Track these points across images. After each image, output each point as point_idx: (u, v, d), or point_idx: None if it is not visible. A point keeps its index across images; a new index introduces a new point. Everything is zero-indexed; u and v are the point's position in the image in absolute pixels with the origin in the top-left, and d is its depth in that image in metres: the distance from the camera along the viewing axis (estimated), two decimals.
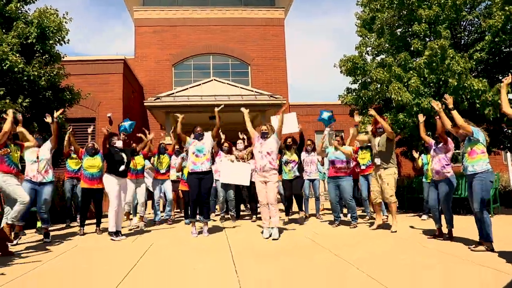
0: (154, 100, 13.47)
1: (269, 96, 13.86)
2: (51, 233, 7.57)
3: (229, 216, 9.55)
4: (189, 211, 8.02)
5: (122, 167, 7.54)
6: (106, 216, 7.70)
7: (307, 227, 8.21)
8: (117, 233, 7.42)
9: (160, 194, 9.30)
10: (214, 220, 9.71)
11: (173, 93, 13.99)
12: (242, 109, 7.79)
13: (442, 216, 6.54)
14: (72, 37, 58.30)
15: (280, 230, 7.60)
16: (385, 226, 7.70)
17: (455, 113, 5.59)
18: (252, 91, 14.45)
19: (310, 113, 19.41)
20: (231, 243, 6.68)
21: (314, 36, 61.34)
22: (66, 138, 8.58)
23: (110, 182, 7.55)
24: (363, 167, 8.93)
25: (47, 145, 7.38)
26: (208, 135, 7.56)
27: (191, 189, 7.44)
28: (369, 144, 8.88)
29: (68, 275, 4.94)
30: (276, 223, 7.16)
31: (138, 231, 8.19)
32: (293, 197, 8.84)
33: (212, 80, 15.31)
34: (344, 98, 12.16)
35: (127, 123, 8.63)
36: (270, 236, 7.01)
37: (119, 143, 7.75)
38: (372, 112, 7.46)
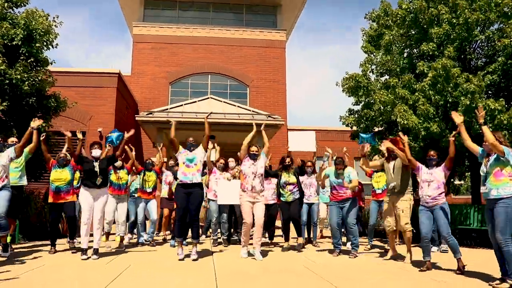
0: (147, 114, 12.86)
1: (267, 116, 13.29)
2: (21, 250, 6.83)
3: (221, 240, 8.75)
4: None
5: (99, 180, 6.85)
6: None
7: (304, 254, 7.48)
8: (85, 250, 6.72)
9: (143, 214, 8.47)
10: (201, 243, 8.96)
11: (167, 109, 13.41)
12: (254, 126, 7.51)
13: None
14: (71, 53, 58.30)
15: (273, 256, 6.93)
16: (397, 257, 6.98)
17: (485, 129, 4.99)
18: (250, 110, 13.89)
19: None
20: (217, 265, 6.00)
21: (312, 64, 61.37)
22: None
23: (81, 194, 6.92)
24: (378, 192, 8.30)
25: (8, 152, 6.61)
26: (200, 147, 6.96)
27: (178, 204, 6.77)
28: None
29: None
30: (258, 244, 6.89)
31: (118, 251, 7.42)
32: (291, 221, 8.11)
33: (208, 98, 14.77)
34: (345, 120, 11.57)
35: (114, 134, 7.97)
36: (249, 255, 6.82)
37: (95, 152, 7.03)
38: (387, 145, 6.90)
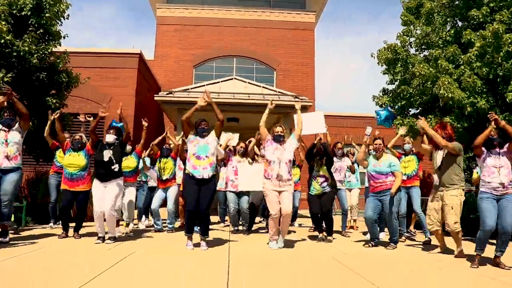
0: (167, 94, 12.18)
1: (294, 97, 12.41)
2: (24, 233, 6.28)
3: (241, 229, 7.94)
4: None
5: (116, 167, 6.26)
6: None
7: (333, 244, 6.63)
8: (101, 238, 6.22)
9: (158, 203, 7.74)
10: (222, 231, 8.24)
11: (188, 89, 12.68)
12: (268, 104, 6.63)
13: None
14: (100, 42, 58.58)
15: (299, 246, 6.15)
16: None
17: None
18: (275, 91, 13.03)
19: (334, 124, 17.74)
20: (232, 254, 5.25)
21: (333, 53, 59.69)
22: (48, 124, 7.01)
23: (93, 185, 6.36)
24: (404, 177, 7.33)
25: (18, 128, 6.14)
26: (213, 134, 6.04)
27: (187, 197, 5.91)
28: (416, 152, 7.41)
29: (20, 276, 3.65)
30: (284, 233, 6.12)
31: (122, 238, 6.73)
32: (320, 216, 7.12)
33: (232, 78, 13.95)
34: (379, 100, 10.58)
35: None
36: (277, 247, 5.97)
37: (109, 138, 6.35)
38: (422, 124, 5.91)
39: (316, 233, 7.27)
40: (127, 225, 7.44)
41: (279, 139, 6.10)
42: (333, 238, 7.11)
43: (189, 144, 5.90)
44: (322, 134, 7.30)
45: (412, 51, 9.76)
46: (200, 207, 5.75)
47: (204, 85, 13.14)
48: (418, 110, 10.06)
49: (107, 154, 6.24)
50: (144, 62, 16.16)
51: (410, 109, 10.38)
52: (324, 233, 7.05)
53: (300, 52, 20.13)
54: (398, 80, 10.18)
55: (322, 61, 42.89)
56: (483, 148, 5.32)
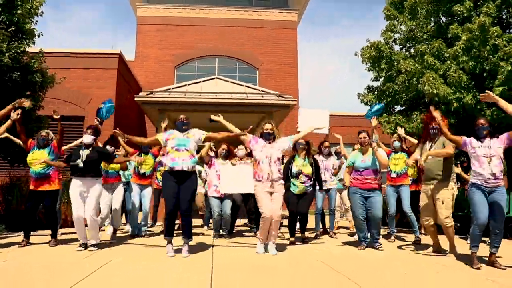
0: (147, 95, 11.83)
1: (277, 95, 12.14)
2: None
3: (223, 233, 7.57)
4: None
5: (80, 163, 5.87)
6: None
7: (322, 246, 6.43)
8: (83, 245, 5.89)
9: (138, 201, 7.42)
10: (202, 234, 7.96)
11: (169, 89, 12.33)
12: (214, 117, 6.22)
13: None
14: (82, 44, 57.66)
15: (287, 250, 5.92)
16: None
17: None
18: (259, 90, 12.76)
19: None
20: (216, 259, 4.98)
21: (313, 55, 59.69)
22: (7, 124, 6.36)
23: (71, 187, 5.97)
24: (393, 175, 7.14)
25: None
26: (197, 132, 5.72)
27: (166, 196, 5.52)
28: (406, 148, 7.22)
29: None
30: (274, 238, 5.68)
31: (101, 244, 6.39)
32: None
33: (214, 78, 13.65)
34: (364, 97, 10.42)
35: (105, 107, 7.00)
36: (266, 252, 5.60)
37: (87, 139, 6.05)
38: (436, 114, 5.41)
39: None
40: (115, 231, 7.05)
41: (268, 137, 5.79)
42: (305, 236, 6.96)
43: (167, 142, 5.57)
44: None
45: (397, 47, 9.64)
46: (181, 207, 5.42)
47: (185, 85, 12.83)
48: (404, 107, 9.95)
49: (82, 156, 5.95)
50: (124, 63, 15.78)
51: (395, 106, 10.25)
52: (294, 239, 6.78)
53: (282, 51, 19.95)
54: (383, 77, 10.05)
55: (302, 63, 42.69)
56: (463, 137, 5.16)
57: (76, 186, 5.88)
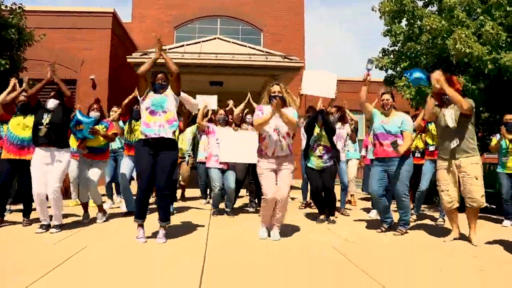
0: (141, 55, 10.87)
1: (283, 57, 11.17)
2: None
3: (225, 209, 6.72)
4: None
5: (43, 131, 5.04)
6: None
7: (336, 228, 5.57)
8: (44, 226, 5.10)
9: (130, 173, 6.55)
10: (198, 209, 7.17)
11: (166, 50, 11.29)
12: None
13: None
14: None
15: (290, 231, 5.09)
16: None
17: None
18: (262, 51, 11.77)
19: None
20: (210, 244, 4.15)
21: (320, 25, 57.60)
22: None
23: (33, 158, 5.15)
24: (431, 149, 6.22)
25: None
26: (168, 90, 4.74)
27: (139, 170, 4.61)
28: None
29: None
30: (280, 222, 4.79)
31: (73, 226, 5.57)
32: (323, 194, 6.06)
33: (215, 38, 12.65)
34: (379, 62, 9.41)
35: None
36: (269, 236, 4.74)
37: (50, 103, 5.20)
38: (437, 76, 4.65)
39: (310, 210, 6.24)
40: (100, 208, 6.08)
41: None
42: (336, 218, 6.12)
43: (143, 100, 4.64)
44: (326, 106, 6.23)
45: (420, 3, 8.50)
46: (158, 184, 4.53)
47: (183, 45, 11.84)
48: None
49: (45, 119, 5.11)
50: (119, 23, 14.68)
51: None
52: (324, 216, 6.05)
53: (289, 12, 18.73)
54: (402, 37, 9.01)
55: (309, 27, 40.92)
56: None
57: (38, 157, 5.06)
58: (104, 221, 5.81)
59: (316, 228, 5.57)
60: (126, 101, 6.51)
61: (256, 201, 7.26)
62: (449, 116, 4.76)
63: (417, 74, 5.61)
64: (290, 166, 4.78)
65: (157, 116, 4.52)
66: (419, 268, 3.61)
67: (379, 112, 5.41)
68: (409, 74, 5.66)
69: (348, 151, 7.81)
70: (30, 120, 5.39)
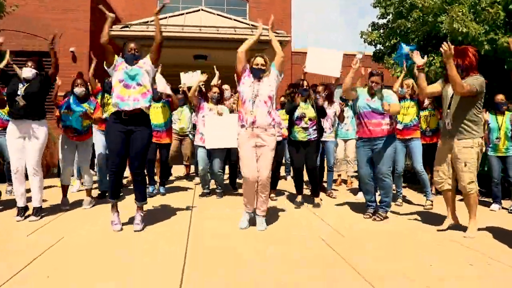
0: (121, 28, 10.43)
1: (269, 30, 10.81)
2: None
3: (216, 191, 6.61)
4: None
5: (21, 101, 4.76)
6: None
7: (323, 214, 5.41)
8: (22, 210, 4.86)
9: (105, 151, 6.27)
10: (186, 190, 6.98)
11: (147, 22, 10.89)
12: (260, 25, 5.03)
13: None
14: None
15: (277, 219, 4.93)
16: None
17: None
18: (248, 24, 11.37)
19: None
20: (191, 239, 3.96)
21: None
22: None
23: (8, 133, 4.90)
24: (400, 127, 6.08)
25: None
26: (146, 58, 4.51)
27: (111, 146, 4.37)
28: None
29: None
30: (263, 207, 4.56)
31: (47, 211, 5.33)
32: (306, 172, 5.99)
33: (199, 9, 12.20)
34: (368, 36, 9.15)
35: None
36: (249, 225, 4.53)
37: (26, 72, 4.88)
38: (446, 47, 4.21)
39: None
40: (88, 192, 5.76)
41: (258, 74, 4.51)
42: (321, 201, 5.98)
43: (113, 69, 4.38)
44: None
45: None
46: (131, 163, 4.35)
47: (166, 17, 11.38)
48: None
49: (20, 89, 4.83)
50: None
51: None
52: (302, 196, 5.98)
53: None
54: (391, 14, 8.74)
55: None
56: None
57: (14, 130, 4.82)
58: (91, 207, 5.57)
59: (301, 213, 5.42)
60: (90, 74, 6.22)
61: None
62: (448, 97, 4.56)
63: (407, 49, 5.46)
64: (270, 141, 4.50)
65: (131, 89, 4.29)
66: (408, 263, 3.46)
67: (364, 90, 5.23)
68: (399, 50, 5.51)
69: (347, 130, 7.62)
70: None
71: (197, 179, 7.78)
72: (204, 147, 6.31)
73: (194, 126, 8.27)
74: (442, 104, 4.72)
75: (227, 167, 7.33)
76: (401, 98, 6.07)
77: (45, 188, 5.67)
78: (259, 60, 4.55)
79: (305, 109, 5.75)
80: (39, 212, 4.87)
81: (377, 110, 5.02)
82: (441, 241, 4.20)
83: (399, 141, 6.00)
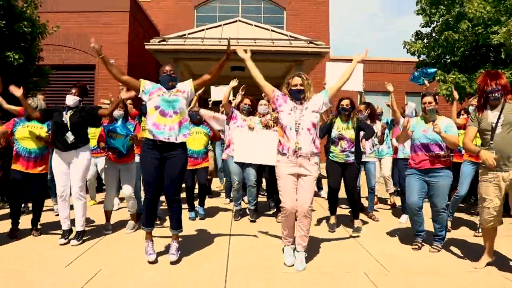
0: (159, 42, 10.44)
1: (308, 42, 10.58)
2: None
3: (247, 206, 6.41)
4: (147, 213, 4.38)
5: (70, 137, 4.82)
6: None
7: (363, 241, 5.13)
8: (66, 232, 4.94)
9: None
10: (224, 211, 6.83)
11: (185, 35, 10.88)
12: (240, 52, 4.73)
13: None
14: None
15: (314, 245, 4.66)
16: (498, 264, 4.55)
17: None
18: (286, 35, 11.17)
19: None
20: (230, 274, 3.79)
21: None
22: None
23: (53, 159, 4.98)
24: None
25: None
26: (185, 85, 4.38)
27: (146, 174, 4.23)
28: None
29: None
30: (303, 241, 4.27)
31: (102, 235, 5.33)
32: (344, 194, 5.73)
33: (236, 21, 12.09)
34: (411, 46, 8.78)
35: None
36: (294, 260, 4.22)
37: (70, 100, 4.93)
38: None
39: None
40: (133, 216, 5.64)
41: (298, 96, 4.22)
42: (361, 223, 5.70)
43: (147, 94, 4.25)
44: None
45: None
46: (167, 190, 4.21)
47: (203, 30, 11.34)
48: (457, 58, 8.22)
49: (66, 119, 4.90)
50: (137, 4, 14.23)
51: (447, 57, 8.56)
52: (335, 217, 5.73)
53: None
54: (436, 22, 8.35)
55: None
56: None
57: (58, 158, 4.92)
58: (134, 231, 5.51)
59: (341, 240, 5.17)
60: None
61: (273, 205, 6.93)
62: (497, 122, 4.15)
63: (430, 71, 5.25)
64: (313, 171, 4.22)
65: (168, 118, 4.16)
66: None
67: (419, 119, 4.92)
68: (420, 71, 5.27)
69: (381, 148, 7.30)
70: (41, 129, 5.16)
71: (227, 200, 7.71)
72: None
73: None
74: (480, 132, 4.32)
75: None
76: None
77: None
78: (297, 80, 4.26)
79: (344, 130, 5.49)
80: (81, 236, 4.93)
81: (434, 140, 4.70)
82: (496, 277, 3.86)
83: (471, 164, 5.67)
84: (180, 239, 4.46)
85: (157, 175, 4.17)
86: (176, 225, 4.34)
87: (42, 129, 5.17)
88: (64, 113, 4.90)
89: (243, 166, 6.20)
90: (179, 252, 4.29)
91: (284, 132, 4.23)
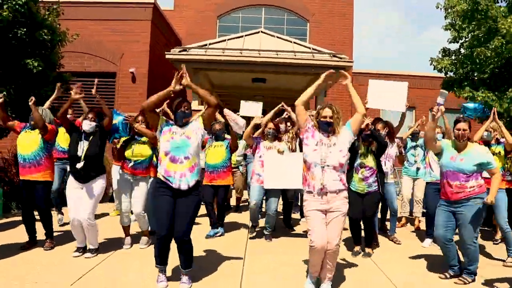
0: (179, 52, 10.32)
1: (331, 55, 10.33)
2: None
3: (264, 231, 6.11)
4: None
5: (79, 165, 4.73)
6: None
7: (385, 267, 4.84)
8: (80, 248, 4.95)
9: None
10: (239, 228, 6.59)
11: (206, 45, 10.73)
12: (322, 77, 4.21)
13: None
14: None
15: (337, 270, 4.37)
16: None
17: None
18: (309, 48, 10.94)
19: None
20: None
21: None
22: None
23: (68, 185, 4.94)
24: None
25: None
26: (195, 121, 4.15)
27: (158, 213, 4.02)
28: None
29: None
30: (330, 273, 4.00)
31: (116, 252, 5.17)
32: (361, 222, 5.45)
33: (258, 32, 11.90)
34: (438, 63, 8.45)
35: (118, 119, 5.32)
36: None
37: (87, 126, 4.85)
38: None
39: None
40: (146, 233, 5.51)
41: (326, 128, 3.97)
42: (372, 251, 5.43)
43: (161, 136, 4.04)
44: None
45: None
46: (176, 230, 3.89)
47: (225, 40, 11.19)
48: (486, 76, 7.86)
49: (81, 146, 4.83)
50: (159, 13, 14.20)
51: (475, 75, 8.21)
52: (360, 247, 5.47)
53: (336, 0, 17.67)
54: (465, 38, 8.02)
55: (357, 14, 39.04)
56: None
57: (73, 184, 4.85)
58: (147, 247, 5.35)
59: (364, 267, 4.87)
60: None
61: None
62: None
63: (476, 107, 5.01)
64: (342, 207, 3.97)
65: (178, 164, 3.91)
66: None
67: (449, 144, 4.60)
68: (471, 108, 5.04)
69: (417, 169, 6.94)
70: (31, 135, 5.08)
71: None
72: (262, 186, 5.90)
73: (245, 156, 7.95)
74: None
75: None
76: (485, 142, 5.42)
77: (99, 216, 6.12)
78: (328, 112, 3.98)
79: (364, 158, 5.20)
80: (96, 252, 4.92)
81: (464, 171, 4.39)
82: None
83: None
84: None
85: (170, 212, 3.92)
86: (185, 265, 4.05)
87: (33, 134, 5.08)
88: (80, 143, 4.82)
89: (267, 192, 6.00)
90: (191, 280, 4.06)
91: (308, 169, 4.00)
